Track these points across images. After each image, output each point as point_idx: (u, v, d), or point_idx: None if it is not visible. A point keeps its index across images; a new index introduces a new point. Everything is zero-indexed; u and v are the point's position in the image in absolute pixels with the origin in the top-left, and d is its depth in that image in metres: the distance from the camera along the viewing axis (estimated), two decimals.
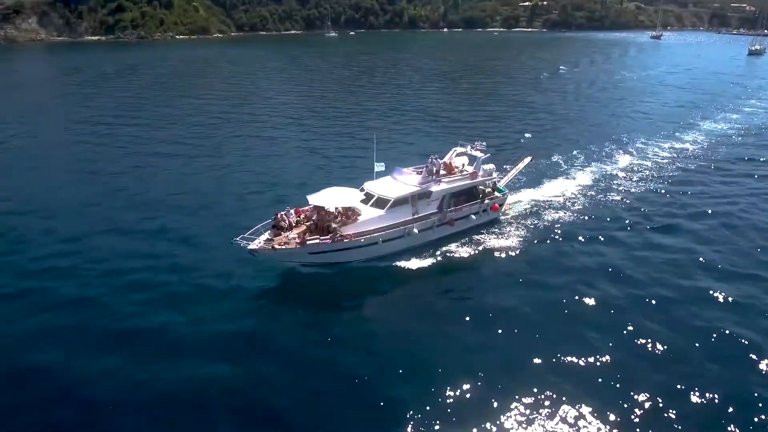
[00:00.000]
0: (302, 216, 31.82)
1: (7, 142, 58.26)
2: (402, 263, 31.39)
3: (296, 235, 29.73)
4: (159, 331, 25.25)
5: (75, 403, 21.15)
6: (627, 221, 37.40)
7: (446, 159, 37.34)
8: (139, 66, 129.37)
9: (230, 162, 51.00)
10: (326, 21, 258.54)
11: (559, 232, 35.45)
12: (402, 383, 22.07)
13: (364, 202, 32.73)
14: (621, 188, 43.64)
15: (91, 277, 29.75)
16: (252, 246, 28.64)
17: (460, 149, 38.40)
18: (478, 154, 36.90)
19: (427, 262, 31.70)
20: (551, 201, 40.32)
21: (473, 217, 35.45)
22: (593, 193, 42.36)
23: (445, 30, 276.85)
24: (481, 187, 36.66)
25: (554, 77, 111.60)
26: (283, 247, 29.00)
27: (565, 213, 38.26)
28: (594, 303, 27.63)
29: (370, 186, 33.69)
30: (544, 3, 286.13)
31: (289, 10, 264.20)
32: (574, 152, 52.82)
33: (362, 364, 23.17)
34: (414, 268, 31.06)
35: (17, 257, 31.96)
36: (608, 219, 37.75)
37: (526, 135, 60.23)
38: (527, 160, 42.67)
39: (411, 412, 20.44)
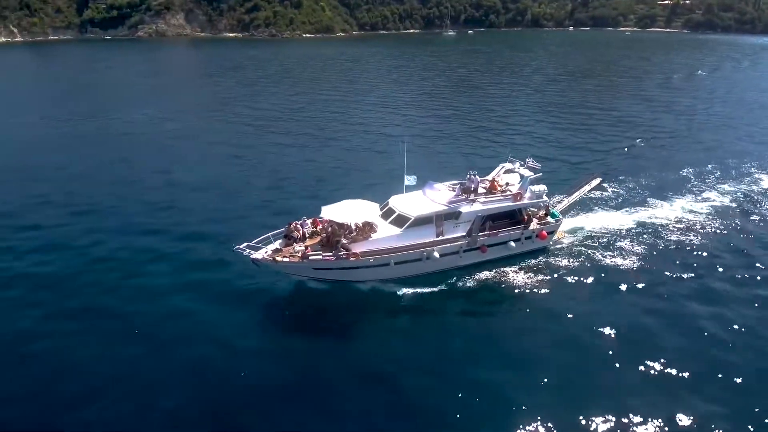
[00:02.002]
0: (319, 227, 29.79)
1: (159, 124, 69.62)
2: (415, 289, 28.88)
3: (303, 248, 27.86)
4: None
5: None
6: (703, 273, 31.14)
7: (491, 176, 34.40)
8: (269, 61, 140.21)
9: (337, 154, 55.56)
10: (446, 20, 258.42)
11: (620, 275, 30.78)
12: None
13: (384, 217, 30.18)
14: (712, 230, 36.65)
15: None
16: (256, 255, 27.22)
17: (508, 165, 35.03)
18: (525, 172, 33.20)
19: (443, 290, 29.03)
20: (620, 233, 35.68)
21: (512, 244, 32.12)
22: (676, 230, 36.42)
23: (571, 29, 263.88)
24: (533, 209, 33.81)
25: (689, 80, 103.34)
26: (285, 260, 27.38)
27: (633, 251, 33.50)
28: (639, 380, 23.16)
29: (394, 201, 31.00)
30: (687, 2, 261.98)
31: (410, 9, 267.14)
32: (669, 176, 46.59)
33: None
34: (427, 295, 28.56)
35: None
36: (680, 267, 32.00)
37: (636, 143, 56.13)
38: (596, 181, 38.96)
39: None
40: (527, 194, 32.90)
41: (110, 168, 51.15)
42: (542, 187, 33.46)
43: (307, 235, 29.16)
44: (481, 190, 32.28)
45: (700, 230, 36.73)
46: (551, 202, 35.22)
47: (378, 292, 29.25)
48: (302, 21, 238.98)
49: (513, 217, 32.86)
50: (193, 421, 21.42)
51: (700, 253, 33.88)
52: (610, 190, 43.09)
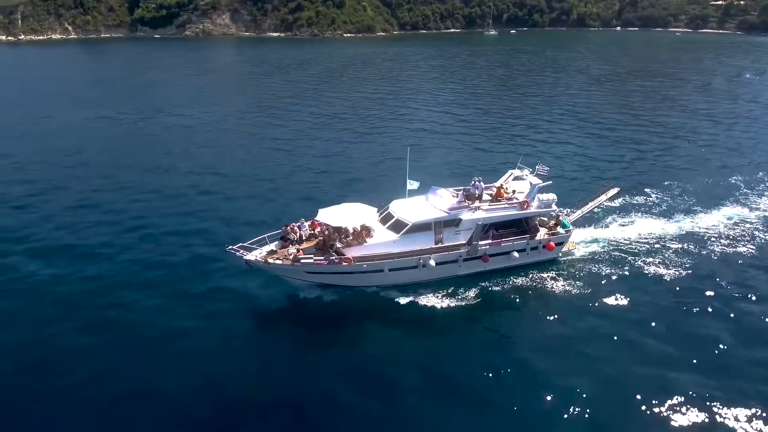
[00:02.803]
0: (317, 230, 29.33)
1: (200, 117, 73.53)
2: (408, 297, 28.34)
3: (296, 251, 27.43)
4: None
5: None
6: (731, 295, 29.27)
7: (499, 182, 33.28)
8: (312, 60, 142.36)
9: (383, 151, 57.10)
10: (487, 19, 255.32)
11: (631, 293, 29.10)
12: None
13: (382, 222, 29.57)
14: (745, 247, 34.33)
15: None
16: (248, 256, 26.93)
17: (517, 172, 33.82)
18: (534, 179, 31.96)
19: (437, 301, 28.22)
20: (637, 246, 34.03)
21: (516, 254, 30.90)
22: (693, 246, 34.29)
23: (618, 29, 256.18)
24: (544, 218, 32.73)
25: (740, 84, 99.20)
26: (278, 262, 26.99)
27: (649, 267, 31.71)
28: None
29: (394, 205, 30.26)
30: (741, 2, 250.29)
31: (452, 8, 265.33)
32: (698, 187, 44.26)
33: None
34: (421, 304, 27.92)
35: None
36: (700, 288, 29.97)
37: (672, 150, 54.06)
38: (613, 191, 37.33)
39: None
40: (535, 202, 31.69)
41: (154, 161, 53.98)
42: (551, 196, 32.21)
43: (304, 238, 28.78)
44: (486, 197, 31.44)
45: (725, 246, 34.68)
46: (560, 211, 33.73)
47: (372, 298, 28.82)
48: (344, 21, 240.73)
49: (519, 227, 31.75)
50: (183, 425, 21.51)
51: (723, 271, 31.78)
52: (636, 199, 41.57)
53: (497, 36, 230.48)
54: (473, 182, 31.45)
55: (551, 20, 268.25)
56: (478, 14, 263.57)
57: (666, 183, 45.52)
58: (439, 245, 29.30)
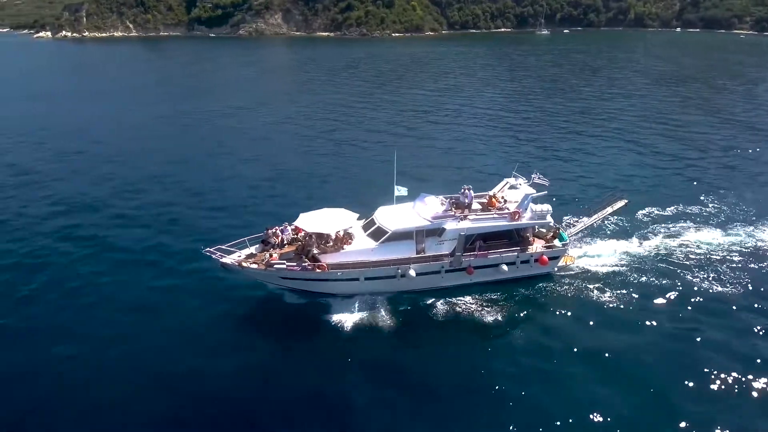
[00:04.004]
0: (300, 234, 28.72)
1: (260, 118, 74.66)
2: (386, 306, 27.49)
3: (271, 256, 27.02)
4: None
5: None
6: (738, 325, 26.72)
7: (493, 191, 31.66)
8: (362, 60, 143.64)
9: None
10: (540, 18, 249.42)
11: (629, 312, 27.22)
12: None
13: (365, 229, 28.81)
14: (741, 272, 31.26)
15: None
16: (225, 260, 26.66)
17: (512, 181, 31.99)
18: (527, 189, 30.41)
19: (413, 311, 27.16)
20: (642, 262, 31.74)
21: (505, 267, 29.36)
22: (699, 271, 31.17)
23: (678, 30, 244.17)
24: (542, 230, 31.17)
25: None
26: (252, 266, 26.65)
27: (656, 287, 29.40)
28: None
29: (379, 212, 29.35)
30: None
31: (503, 7, 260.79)
32: (722, 205, 40.64)
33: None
34: (395, 314, 27.00)
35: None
36: (706, 315, 27.52)
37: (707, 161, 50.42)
38: (620, 203, 34.71)
39: None
40: (527, 213, 30.09)
41: (209, 156, 56.60)
42: (546, 207, 30.53)
43: (286, 242, 28.49)
44: (477, 206, 30.18)
45: (736, 269, 31.74)
46: (554, 223, 31.80)
47: (346, 304, 27.98)
48: (393, 20, 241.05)
49: (510, 238, 30.27)
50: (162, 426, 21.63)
51: (733, 297, 29.06)
52: (646, 213, 38.63)
53: (549, 36, 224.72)
54: (462, 190, 30.01)
55: (607, 20, 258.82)
56: (530, 13, 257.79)
57: (689, 197, 42.40)
58: (420, 255, 28.27)
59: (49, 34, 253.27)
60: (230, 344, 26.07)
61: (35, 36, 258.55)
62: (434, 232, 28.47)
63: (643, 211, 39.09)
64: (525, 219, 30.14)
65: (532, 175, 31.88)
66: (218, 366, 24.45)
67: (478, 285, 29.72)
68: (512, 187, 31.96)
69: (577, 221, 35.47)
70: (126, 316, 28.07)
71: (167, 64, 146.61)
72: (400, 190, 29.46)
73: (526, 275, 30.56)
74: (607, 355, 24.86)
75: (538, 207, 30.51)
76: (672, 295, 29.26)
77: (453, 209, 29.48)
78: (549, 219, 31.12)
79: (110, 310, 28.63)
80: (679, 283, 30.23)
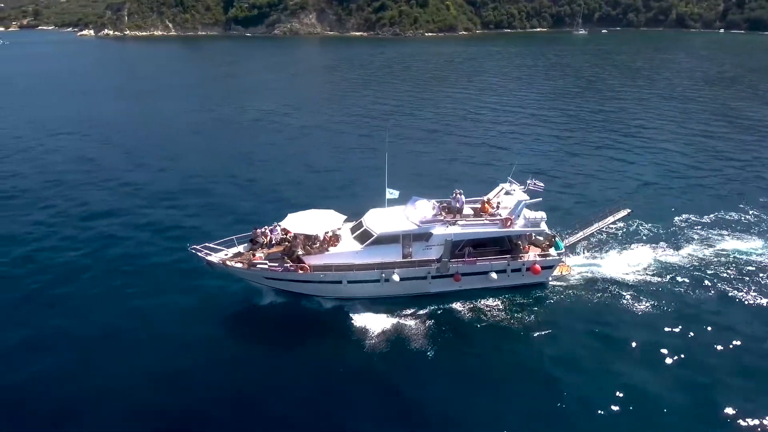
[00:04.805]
0: (289, 234, 28.27)
1: (289, 122, 73.68)
2: (367, 312, 26.83)
3: (257, 255, 26.82)
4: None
5: None
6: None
7: (488, 196, 30.79)
8: (394, 60, 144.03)
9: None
10: (577, 18, 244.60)
11: (627, 331, 25.83)
12: None
13: (352, 231, 28.49)
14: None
15: None
16: (210, 258, 26.53)
17: (507, 186, 31.01)
18: (521, 195, 29.35)
19: (394, 316, 26.45)
20: (644, 278, 30.22)
21: (494, 275, 28.35)
22: (713, 280, 29.94)
23: (722, 31, 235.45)
24: (539, 238, 30.23)
25: None
26: (237, 266, 26.54)
27: (655, 299, 28.12)
28: None
29: (369, 214, 29.00)
30: None
31: (539, 6, 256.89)
32: (739, 216, 38.59)
33: None
34: (374, 319, 26.40)
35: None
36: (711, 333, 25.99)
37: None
38: (623, 212, 33.56)
39: None
40: (520, 220, 29.06)
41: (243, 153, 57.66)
42: (540, 214, 29.45)
43: (274, 242, 28.04)
44: (469, 211, 29.60)
45: (745, 283, 30.16)
46: (547, 230, 30.63)
47: (330, 310, 27.64)
48: (426, 20, 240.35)
49: (502, 245, 29.31)
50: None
51: (737, 313, 27.73)
52: (650, 223, 37.02)
53: (587, 36, 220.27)
54: (454, 194, 29.24)
55: (647, 20, 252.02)
56: (567, 13, 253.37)
57: (708, 211, 40.06)
58: (406, 260, 27.64)
59: (92, 32, 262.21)
60: (217, 344, 25.96)
61: (79, 34, 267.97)
62: (421, 236, 27.80)
63: (649, 223, 37.53)
64: (517, 226, 29.19)
65: (528, 181, 30.77)
66: (205, 366, 24.40)
67: (468, 292, 28.77)
68: (507, 192, 31.11)
69: (576, 230, 33.86)
70: (118, 318, 27.98)
71: (205, 64, 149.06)
72: (392, 193, 29.05)
73: (518, 284, 29.50)
74: (596, 368, 24.01)
75: (532, 214, 29.58)
76: (670, 309, 27.99)
77: (443, 214, 28.85)
78: (543, 227, 30.00)
79: (101, 308, 28.62)
80: (686, 295, 29.10)
